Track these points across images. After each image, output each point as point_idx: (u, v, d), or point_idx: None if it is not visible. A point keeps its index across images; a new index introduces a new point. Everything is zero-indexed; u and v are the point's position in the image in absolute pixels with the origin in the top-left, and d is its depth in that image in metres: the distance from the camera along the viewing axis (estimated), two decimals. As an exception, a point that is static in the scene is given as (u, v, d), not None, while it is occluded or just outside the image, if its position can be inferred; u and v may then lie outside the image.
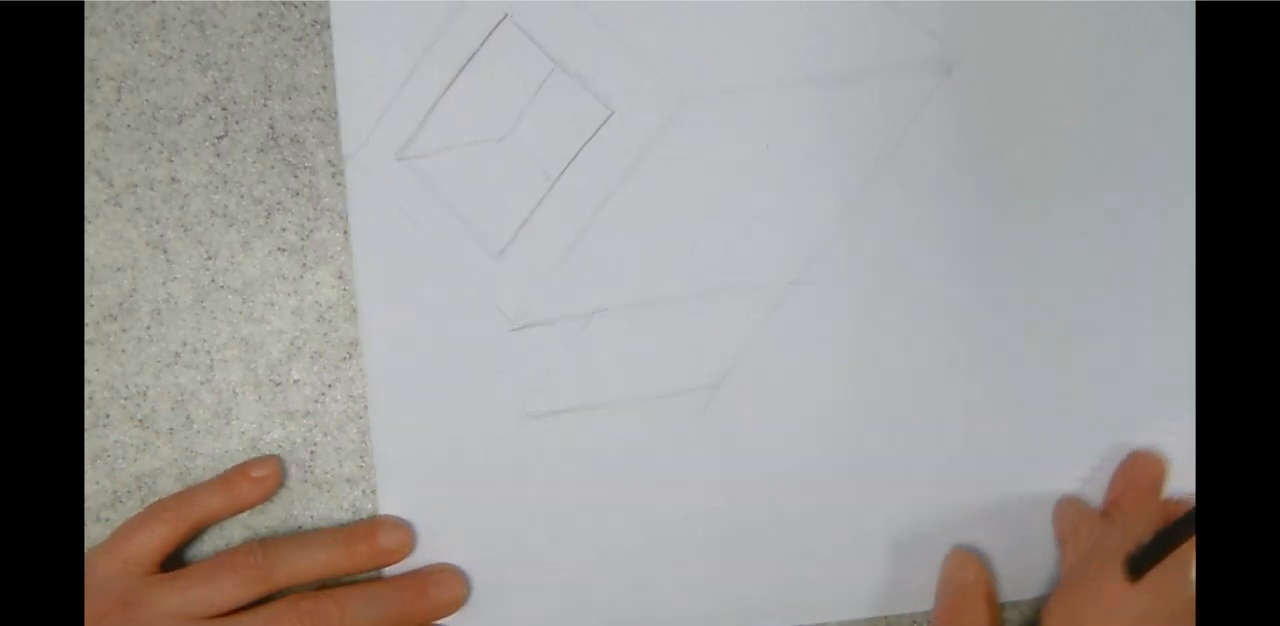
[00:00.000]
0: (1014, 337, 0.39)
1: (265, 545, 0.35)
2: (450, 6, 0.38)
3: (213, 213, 0.38)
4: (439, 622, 0.37)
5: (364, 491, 0.38)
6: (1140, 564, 0.34)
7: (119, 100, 0.38)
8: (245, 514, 0.38)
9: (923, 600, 0.38)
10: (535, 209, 0.38)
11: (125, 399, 0.38)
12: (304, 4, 0.38)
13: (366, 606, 0.35)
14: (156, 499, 0.37)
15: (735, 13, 0.38)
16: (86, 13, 0.38)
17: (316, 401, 0.38)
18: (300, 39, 0.38)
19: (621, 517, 0.38)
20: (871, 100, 0.39)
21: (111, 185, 0.38)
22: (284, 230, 0.38)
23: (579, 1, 0.38)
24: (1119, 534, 0.35)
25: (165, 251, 0.38)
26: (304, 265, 0.38)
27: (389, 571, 0.37)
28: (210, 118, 0.38)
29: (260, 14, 0.38)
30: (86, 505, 0.37)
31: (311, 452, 0.38)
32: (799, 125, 0.38)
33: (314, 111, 0.38)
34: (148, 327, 0.38)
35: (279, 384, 0.38)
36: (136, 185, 0.38)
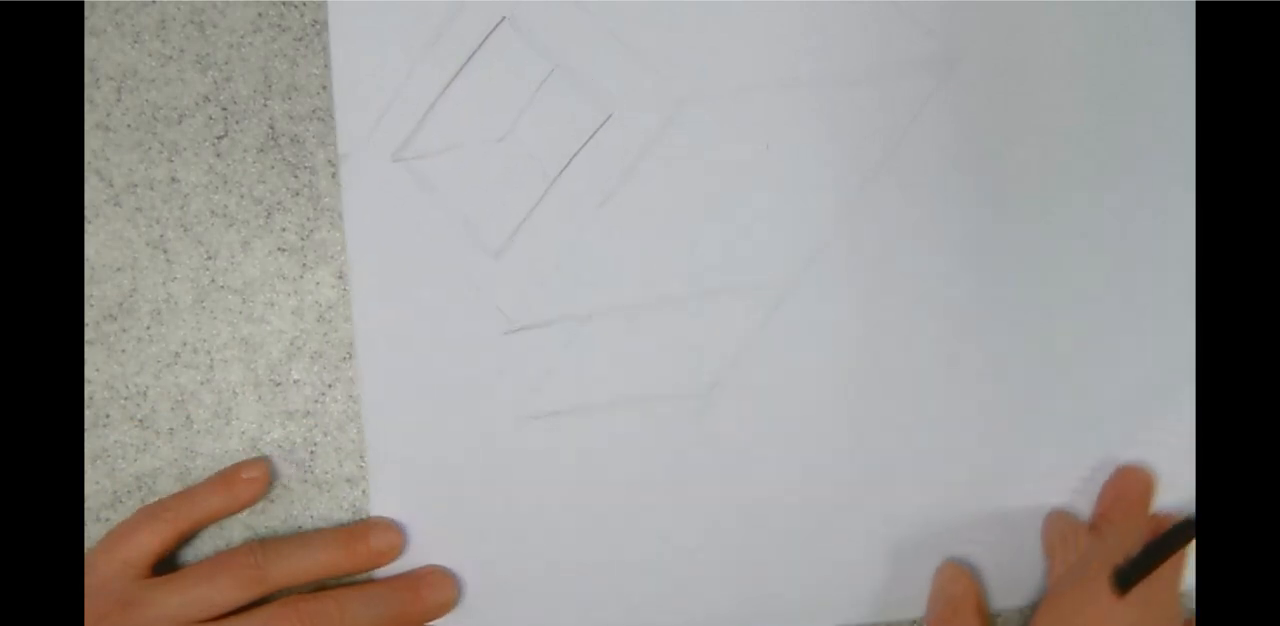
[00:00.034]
0: (1013, 338, 0.39)
1: (263, 546, 0.35)
2: (449, 6, 0.38)
3: (213, 213, 0.38)
4: (431, 624, 0.37)
5: (363, 491, 0.38)
6: (1128, 577, 0.34)
7: (119, 100, 0.38)
8: (245, 514, 0.38)
9: (916, 606, 0.38)
10: (534, 209, 0.38)
11: (125, 399, 0.38)
12: (304, 4, 0.38)
13: (365, 607, 0.35)
14: (156, 499, 0.37)
15: (735, 13, 0.38)
16: (86, 13, 0.38)
17: (316, 401, 0.38)
18: (300, 39, 0.38)
19: (615, 520, 0.38)
20: (871, 100, 0.39)
21: (111, 185, 0.38)
22: (284, 230, 0.38)
23: (579, 1, 0.38)
24: (1106, 546, 0.35)
25: (165, 251, 0.38)
26: (304, 265, 0.38)
27: (380, 573, 0.37)
28: (210, 118, 0.38)
29: (260, 14, 0.38)
30: (86, 505, 0.37)
31: (311, 452, 0.38)
32: (799, 125, 0.38)
33: (314, 111, 0.38)
34: (148, 327, 0.38)
35: (279, 384, 0.38)
36: (136, 185, 0.38)
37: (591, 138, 0.38)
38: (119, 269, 0.38)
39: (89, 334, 0.38)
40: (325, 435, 0.38)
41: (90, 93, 0.38)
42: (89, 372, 0.38)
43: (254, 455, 0.38)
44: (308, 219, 0.38)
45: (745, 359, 0.38)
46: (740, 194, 0.38)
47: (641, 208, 0.38)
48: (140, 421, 0.38)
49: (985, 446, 0.39)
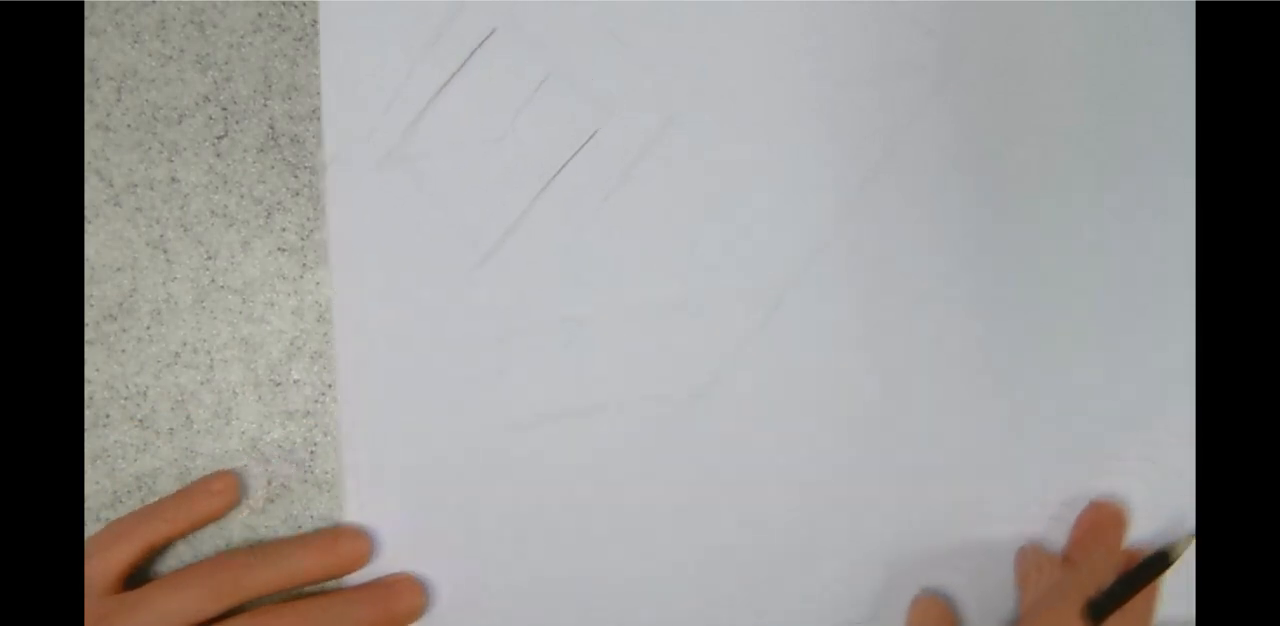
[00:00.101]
0: (1013, 338, 0.39)
1: (231, 557, 0.35)
2: (448, 6, 0.38)
3: (213, 213, 0.38)
4: None
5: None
6: (1101, 608, 0.34)
7: (119, 100, 0.38)
8: (246, 514, 0.38)
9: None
10: (532, 210, 0.38)
11: (125, 399, 0.38)
12: (304, 4, 0.38)
13: (329, 617, 0.35)
14: (155, 499, 0.37)
15: (735, 13, 0.38)
16: (86, 13, 0.38)
17: (316, 401, 0.38)
18: (300, 39, 0.38)
19: (602, 527, 0.38)
20: (871, 100, 0.39)
21: (111, 185, 0.38)
22: (284, 230, 0.38)
23: (579, 1, 0.38)
24: (1078, 577, 0.36)
25: (165, 251, 0.38)
26: (304, 265, 0.38)
27: (353, 579, 0.37)
28: (210, 118, 0.38)
29: (260, 14, 0.38)
30: (86, 505, 0.37)
31: (311, 452, 0.38)
32: (799, 125, 0.38)
33: (314, 111, 0.38)
34: (148, 327, 0.38)
35: (279, 384, 0.38)
36: (136, 185, 0.38)
37: (591, 138, 0.38)
38: (119, 269, 0.38)
39: (89, 334, 0.38)
40: (325, 435, 0.38)
41: (90, 93, 0.38)
42: (89, 372, 0.38)
43: (254, 455, 0.38)
44: (308, 219, 0.38)
45: (745, 359, 0.38)
46: (740, 194, 0.38)
47: (641, 208, 0.38)
48: (140, 421, 0.38)
49: (969, 467, 0.39)
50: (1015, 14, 0.39)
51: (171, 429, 0.38)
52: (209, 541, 0.38)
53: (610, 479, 0.38)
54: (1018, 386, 0.39)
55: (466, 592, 0.38)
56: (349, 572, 0.37)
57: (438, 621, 0.37)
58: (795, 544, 0.38)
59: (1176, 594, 0.37)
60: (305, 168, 0.38)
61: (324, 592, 0.37)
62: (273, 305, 0.38)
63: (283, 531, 0.38)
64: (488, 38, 0.38)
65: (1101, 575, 0.35)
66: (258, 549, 0.36)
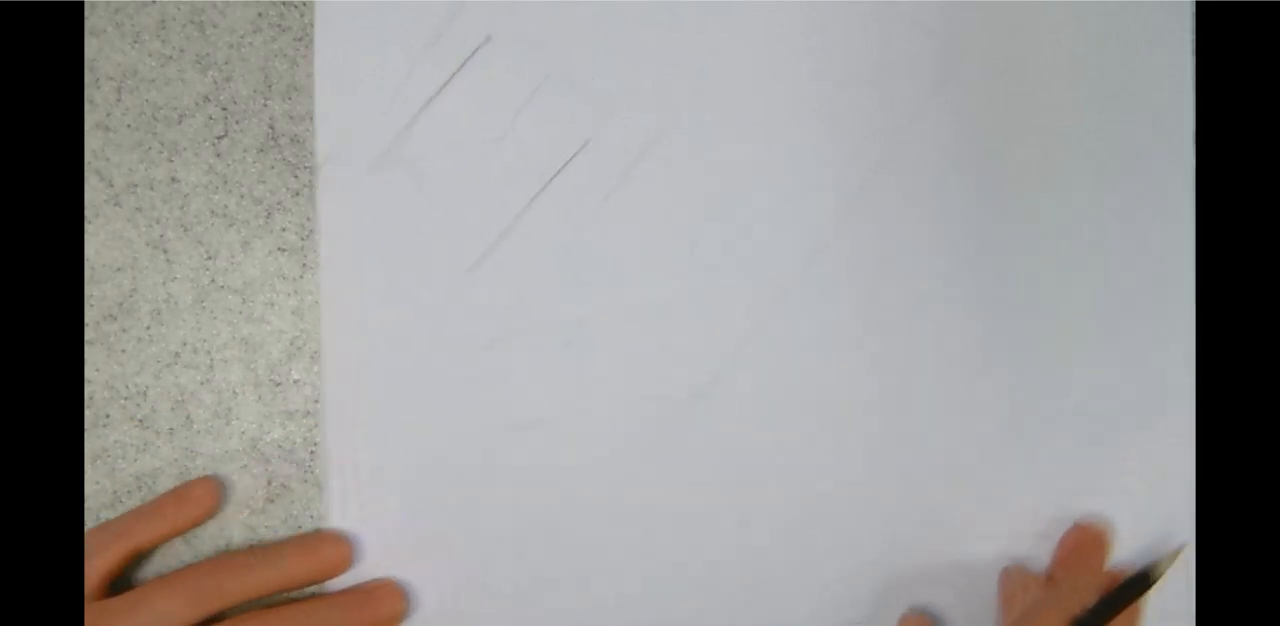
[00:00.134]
0: (1013, 338, 0.39)
1: (209, 564, 0.35)
2: (448, 6, 0.38)
3: (213, 213, 0.38)
4: None
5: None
6: None
7: (119, 100, 0.38)
8: (246, 514, 0.38)
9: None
10: (533, 210, 0.38)
11: (125, 399, 0.38)
12: (304, 4, 0.38)
13: (310, 623, 0.35)
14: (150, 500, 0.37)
15: (735, 13, 0.38)
16: (86, 13, 0.38)
17: (316, 401, 0.38)
18: (300, 39, 0.38)
19: (598, 531, 0.38)
20: (871, 100, 0.39)
21: (111, 185, 0.38)
22: (284, 230, 0.38)
23: (578, 2, 0.38)
24: (1060, 596, 0.36)
25: (165, 251, 0.38)
26: (304, 265, 0.38)
27: (338, 584, 0.37)
28: (210, 118, 0.38)
29: (260, 14, 0.38)
30: (86, 505, 0.37)
31: (311, 453, 0.38)
32: (799, 125, 0.38)
33: (314, 111, 0.38)
34: (148, 327, 0.38)
35: (279, 384, 0.38)
36: (136, 185, 0.38)
37: (590, 138, 0.38)
38: (119, 269, 0.38)
39: (89, 334, 0.38)
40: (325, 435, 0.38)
41: (90, 93, 0.38)
42: (89, 372, 0.38)
43: (254, 455, 0.38)
44: (308, 219, 0.38)
45: (745, 359, 0.38)
46: (740, 194, 0.38)
47: (641, 208, 0.38)
48: (140, 421, 0.38)
49: (965, 469, 0.39)
50: (1015, 14, 0.39)
51: (171, 429, 0.38)
52: (209, 541, 0.38)
53: (609, 479, 0.38)
54: (1017, 387, 0.39)
55: (455, 597, 0.38)
56: (331, 577, 0.37)
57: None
58: (794, 544, 0.38)
59: (1174, 613, 0.37)
60: (305, 168, 0.38)
61: (305, 598, 0.37)
62: (273, 305, 0.38)
63: (283, 531, 0.38)
64: (487, 38, 0.38)
65: (1084, 595, 0.36)
66: (239, 554, 0.36)
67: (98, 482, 0.38)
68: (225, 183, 0.38)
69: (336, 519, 0.37)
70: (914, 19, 0.39)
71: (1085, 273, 0.39)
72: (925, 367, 0.39)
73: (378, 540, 0.37)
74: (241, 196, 0.38)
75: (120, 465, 0.38)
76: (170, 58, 0.38)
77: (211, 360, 0.38)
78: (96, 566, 0.35)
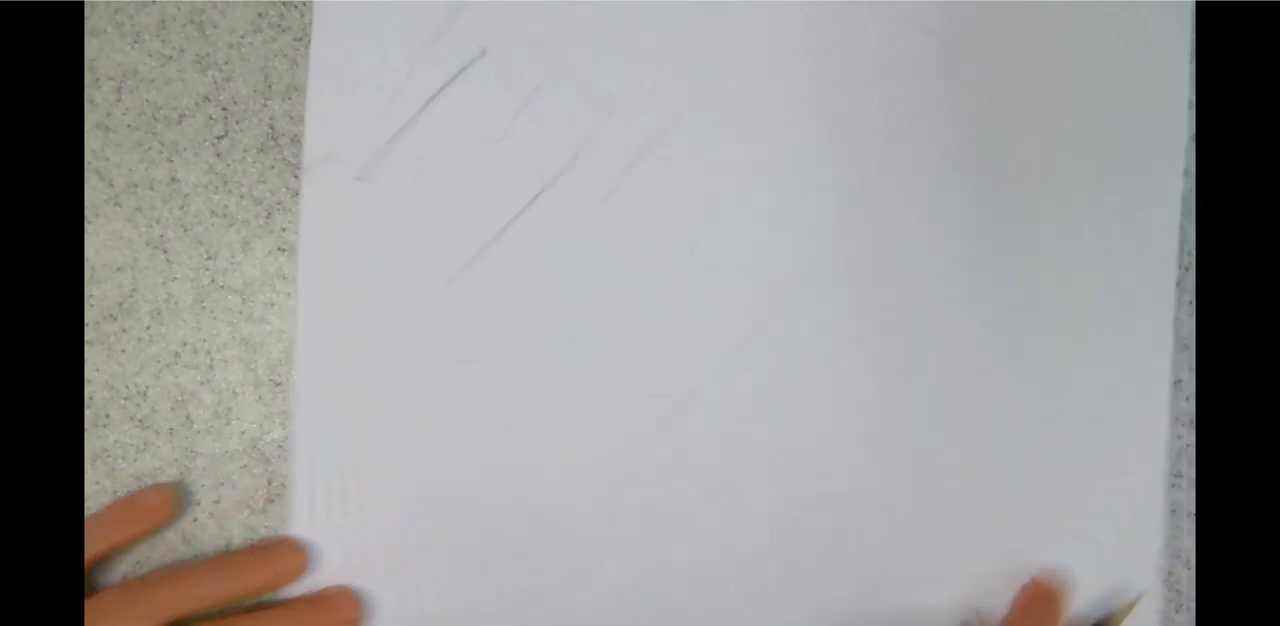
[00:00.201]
0: (1013, 338, 0.39)
1: (164, 573, 0.35)
2: (448, 6, 0.38)
3: (213, 213, 0.38)
4: None
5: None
6: None
7: (119, 100, 0.38)
8: (246, 514, 0.38)
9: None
10: (533, 210, 0.38)
11: (125, 399, 0.38)
12: (304, 4, 0.38)
13: None
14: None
15: (735, 13, 0.38)
16: (86, 13, 0.38)
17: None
18: (300, 39, 0.38)
19: (593, 529, 0.38)
20: (871, 100, 0.39)
21: (111, 185, 0.38)
22: (284, 230, 0.38)
23: (578, 2, 0.38)
24: None
25: (165, 251, 0.38)
26: (304, 265, 0.38)
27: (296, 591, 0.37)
28: (210, 118, 0.38)
29: (260, 14, 0.38)
30: (86, 505, 0.37)
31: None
32: (799, 125, 0.38)
33: (306, 112, 0.38)
34: (148, 327, 0.38)
35: (279, 384, 0.38)
36: (136, 185, 0.38)
37: (590, 138, 0.38)
38: (119, 269, 0.38)
39: (89, 334, 0.38)
40: (325, 435, 0.38)
41: (90, 93, 0.38)
42: (89, 372, 0.38)
43: (254, 455, 0.38)
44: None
45: (745, 359, 0.38)
46: (740, 194, 0.38)
47: (641, 208, 0.38)
48: (140, 421, 0.38)
49: (962, 472, 0.39)
50: (1015, 14, 0.39)
51: (171, 429, 0.38)
52: (210, 542, 0.38)
53: (608, 479, 0.38)
54: (1017, 387, 0.39)
55: (448, 602, 0.38)
56: (287, 585, 0.37)
57: None
58: (794, 544, 0.38)
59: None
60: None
61: (260, 606, 0.37)
62: (273, 305, 0.38)
63: (283, 531, 0.38)
64: (485, 39, 0.38)
65: None
66: (194, 563, 0.36)
67: (98, 482, 0.38)
68: (225, 183, 0.38)
69: (302, 526, 0.37)
70: (914, 19, 0.39)
71: (1085, 273, 0.39)
72: (925, 367, 0.39)
73: (377, 545, 0.37)
74: (241, 196, 0.38)
75: (120, 465, 0.38)
76: (170, 58, 0.38)
77: (211, 360, 0.38)
78: None
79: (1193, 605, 0.39)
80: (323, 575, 0.37)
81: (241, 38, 0.38)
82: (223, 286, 0.38)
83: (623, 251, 0.38)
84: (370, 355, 0.37)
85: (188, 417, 0.38)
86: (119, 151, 0.38)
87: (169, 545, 0.37)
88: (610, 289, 0.38)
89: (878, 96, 0.39)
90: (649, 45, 0.38)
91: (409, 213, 0.38)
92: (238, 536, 0.38)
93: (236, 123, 0.38)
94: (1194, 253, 0.39)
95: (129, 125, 0.38)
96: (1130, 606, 0.37)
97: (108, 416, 0.38)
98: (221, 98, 0.38)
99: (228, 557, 0.36)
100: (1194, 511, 0.39)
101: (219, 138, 0.38)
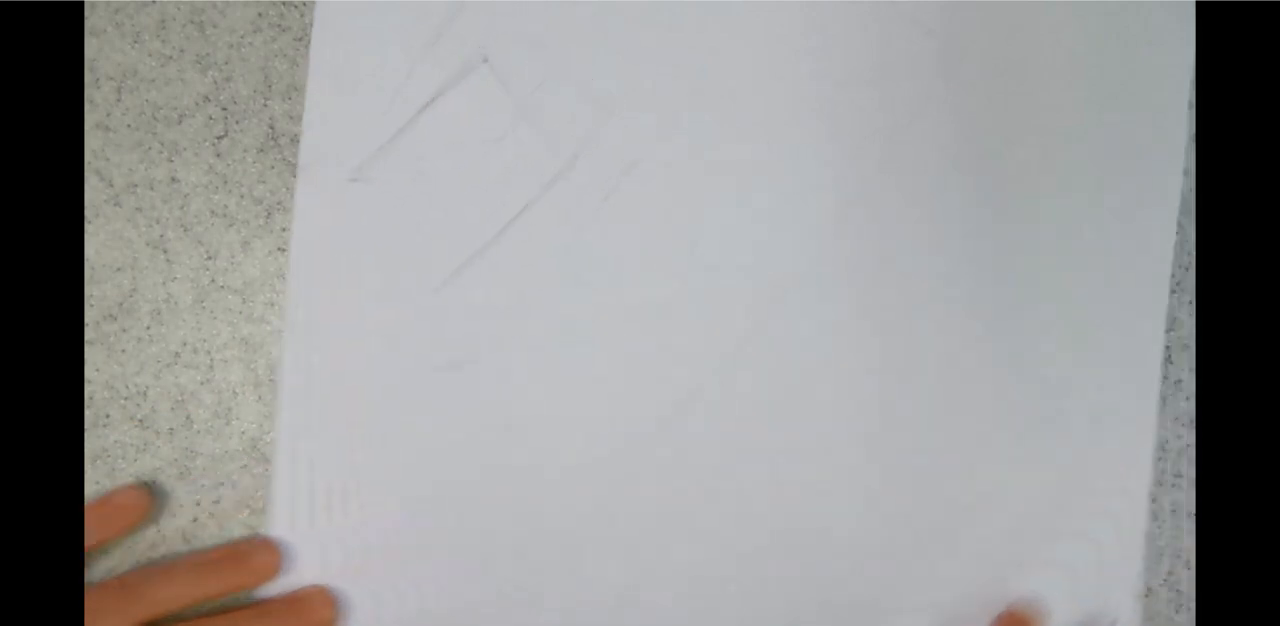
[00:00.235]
0: (1013, 338, 0.39)
1: (137, 574, 0.35)
2: (448, 6, 0.38)
3: (213, 213, 0.38)
4: None
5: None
6: None
7: (119, 100, 0.38)
8: (246, 514, 0.38)
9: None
10: (533, 210, 0.38)
11: (125, 399, 0.38)
12: (304, 4, 0.38)
13: None
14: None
15: (735, 13, 0.38)
16: (86, 13, 0.38)
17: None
18: (300, 39, 0.38)
19: (592, 529, 0.38)
20: (871, 100, 0.39)
21: (111, 185, 0.38)
22: (284, 230, 0.38)
23: (579, 2, 0.38)
24: None
25: (165, 251, 0.38)
26: (304, 265, 0.38)
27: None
28: (210, 118, 0.38)
29: (260, 14, 0.38)
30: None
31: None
32: (799, 125, 0.38)
33: (304, 112, 0.38)
34: (148, 327, 0.38)
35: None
36: (136, 185, 0.38)
37: (590, 138, 0.38)
38: (119, 269, 0.38)
39: (89, 334, 0.38)
40: (325, 435, 0.38)
41: (90, 93, 0.38)
42: (89, 372, 0.38)
43: (254, 455, 0.38)
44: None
45: (745, 359, 0.38)
46: (740, 194, 0.38)
47: (641, 208, 0.38)
48: (140, 421, 0.38)
49: (959, 472, 0.39)
50: (1015, 14, 0.39)
51: (171, 429, 0.38)
52: (210, 542, 0.38)
53: (608, 479, 0.38)
54: (1017, 387, 0.39)
55: (443, 602, 0.38)
56: (262, 584, 0.37)
57: None
58: (794, 544, 0.38)
59: None
60: (305, 168, 0.38)
61: (234, 606, 0.37)
62: (273, 305, 0.38)
63: (279, 532, 0.38)
64: (484, 39, 0.38)
65: None
66: (169, 563, 0.36)
67: (98, 482, 0.38)
68: (225, 183, 0.38)
69: (283, 527, 0.37)
70: (914, 19, 0.39)
71: (1085, 273, 0.39)
72: (925, 368, 0.39)
73: (376, 546, 0.37)
74: (241, 196, 0.38)
75: (120, 465, 0.38)
76: (170, 58, 0.38)
77: (211, 360, 0.38)
78: None
79: (1193, 605, 0.39)
80: (323, 576, 0.37)
81: (241, 38, 0.38)
82: (223, 286, 0.38)
83: (622, 251, 0.38)
84: (369, 356, 0.37)
85: (188, 417, 0.38)
86: (119, 151, 0.38)
87: (170, 545, 0.37)
88: (610, 289, 0.38)
89: (878, 96, 0.39)
90: (649, 45, 0.38)
91: (409, 213, 0.38)
92: (238, 536, 0.38)
93: (236, 123, 0.38)
94: (1194, 252, 0.39)
95: (129, 125, 0.38)
96: None
97: (108, 416, 0.38)
98: (221, 98, 0.38)
99: (203, 555, 0.36)
100: (1194, 511, 0.39)
101: (219, 138, 0.38)
